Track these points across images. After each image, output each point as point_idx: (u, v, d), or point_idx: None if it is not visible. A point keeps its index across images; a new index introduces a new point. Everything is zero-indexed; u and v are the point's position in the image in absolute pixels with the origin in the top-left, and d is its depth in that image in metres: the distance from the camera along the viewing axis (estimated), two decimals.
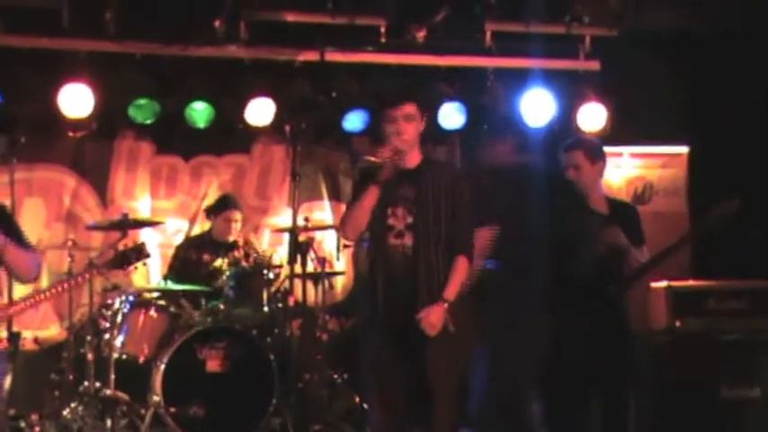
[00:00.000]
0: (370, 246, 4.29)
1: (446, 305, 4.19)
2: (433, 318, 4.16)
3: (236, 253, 6.58)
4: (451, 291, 4.23)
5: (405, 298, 4.19)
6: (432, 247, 4.22)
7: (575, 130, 6.72)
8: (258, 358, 5.96)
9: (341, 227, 4.37)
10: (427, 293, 4.20)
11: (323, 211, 7.33)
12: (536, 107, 6.87)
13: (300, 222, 6.35)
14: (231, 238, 6.66)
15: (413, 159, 4.28)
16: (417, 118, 4.27)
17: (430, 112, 4.81)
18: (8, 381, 4.58)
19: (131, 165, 7.05)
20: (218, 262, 6.52)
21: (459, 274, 4.25)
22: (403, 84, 4.56)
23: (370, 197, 4.20)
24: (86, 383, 5.93)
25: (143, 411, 5.90)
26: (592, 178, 4.96)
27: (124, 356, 6.04)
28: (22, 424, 5.76)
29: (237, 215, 6.66)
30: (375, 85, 6.73)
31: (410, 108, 4.25)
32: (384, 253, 4.22)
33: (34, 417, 5.82)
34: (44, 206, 6.86)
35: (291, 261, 6.12)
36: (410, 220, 4.23)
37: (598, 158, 4.98)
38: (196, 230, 7.10)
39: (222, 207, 6.73)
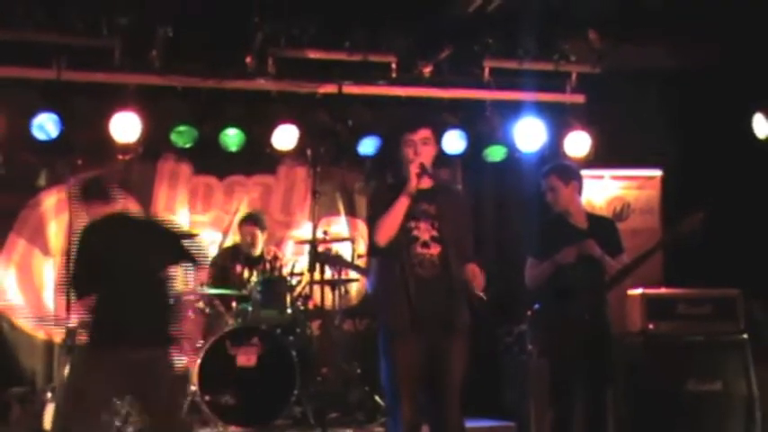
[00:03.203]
0: (392, 255, 4.24)
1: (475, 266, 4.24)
2: (478, 275, 4.20)
3: (261, 267, 6.69)
4: (473, 267, 4.26)
5: (436, 302, 4.18)
6: (453, 257, 4.24)
7: (562, 156, 6.77)
8: (282, 354, 6.10)
9: (375, 234, 4.26)
10: (457, 297, 4.22)
11: (339, 225, 7.43)
12: (528, 135, 7.00)
13: (320, 235, 6.51)
14: (255, 251, 6.75)
15: (427, 181, 4.34)
16: (432, 141, 4.33)
17: (442, 136, 4.70)
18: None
19: (172, 183, 7.19)
20: (247, 273, 6.68)
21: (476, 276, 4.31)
22: (416, 111, 4.48)
23: (402, 206, 4.22)
24: None
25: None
26: (568, 197, 5.10)
27: None
28: None
29: (256, 231, 6.71)
30: (387, 114, 6.85)
31: (426, 132, 4.30)
32: (413, 261, 4.21)
33: None
34: None
35: (312, 269, 6.29)
36: (434, 232, 4.27)
37: (571, 179, 5.11)
38: (228, 241, 7.22)
39: (242, 222, 6.83)
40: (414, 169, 4.27)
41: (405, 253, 4.24)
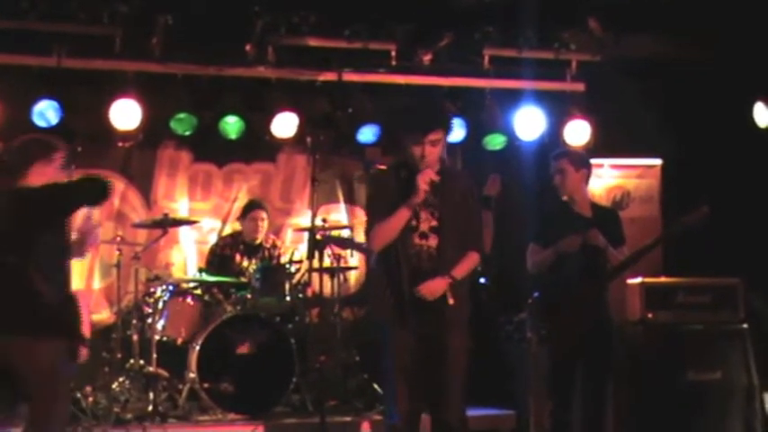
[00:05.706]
0: (390, 245, 4.11)
1: (450, 281, 4.10)
2: (434, 286, 4.06)
3: (261, 255, 6.68)
4: (458, 271, 4.13)
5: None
6: (453, 248, 4.13)
7: (562, 144, 6.71)
8: (280, 342, 6.06)
9: (370, 240, 4.16)
10: (454, 290, 4.10)
11: (339, 213, 7.41)
12: (528, 123, 6.92)
13: (319, 223, 6.41)
14: (259, 237, 6.72)
15: (432, 174, 4.12)
16: (442, 142, 4.14)
17: (452, 130, 4.36)
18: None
19: (172, 171, 7.15)
20: (246, 263, 6.63)
21: (469, 261, 4.19)
22: (429, 108, 4.30)
23: (402, 217, 4.07)
24: (132, 361, 6.05)
25: (180, 386, 6.02)
26: (576, 183, 5.01)
27: (164, 338, 6.13)
28: (78, 395, 5.80)
29: (263, 214, 6.71)
30: (387, 102, 6.79)
31: (437, 135, 4.09)
32: (409, 252, 4.09)
33: (88, 389, 5.88)
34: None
35: (310, 257, 6.20)
36: (434, 223, 4.13)
37: (582, 166, 5.04)
38: (228, 230, 7.17)
39: (249, 209, 6.77)
40: (423, 185, 4.06)
41: (401, 243, 4.10)
